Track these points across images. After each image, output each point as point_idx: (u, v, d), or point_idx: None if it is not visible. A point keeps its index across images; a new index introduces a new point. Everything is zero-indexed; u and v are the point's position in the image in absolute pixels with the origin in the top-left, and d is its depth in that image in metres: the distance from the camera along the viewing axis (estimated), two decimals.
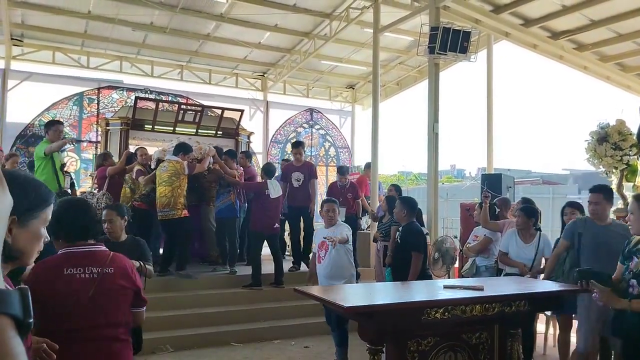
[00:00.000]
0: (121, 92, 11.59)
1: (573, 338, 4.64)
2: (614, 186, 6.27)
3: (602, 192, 4.08)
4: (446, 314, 3.15)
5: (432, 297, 3.46)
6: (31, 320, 0.53)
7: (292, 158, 8.20)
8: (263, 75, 13.16)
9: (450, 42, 6.96)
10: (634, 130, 6.09)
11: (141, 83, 11.84)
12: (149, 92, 11.58)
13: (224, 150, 7.55)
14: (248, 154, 8.16)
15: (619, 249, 3.73)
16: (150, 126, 8.24)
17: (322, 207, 5.06)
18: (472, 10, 8.32)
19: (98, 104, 11.25)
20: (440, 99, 7.57)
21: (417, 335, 3.21)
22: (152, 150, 7.36)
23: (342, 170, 8.10)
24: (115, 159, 7.38)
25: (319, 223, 7.36)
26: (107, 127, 8.36)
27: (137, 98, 8.88)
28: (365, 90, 13.76)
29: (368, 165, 9.25)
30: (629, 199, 3.95)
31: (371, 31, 9.47)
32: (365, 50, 11.26)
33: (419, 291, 3.77)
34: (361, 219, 8.45)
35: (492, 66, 10.33)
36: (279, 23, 10.34)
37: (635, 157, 6.17)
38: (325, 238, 4.79)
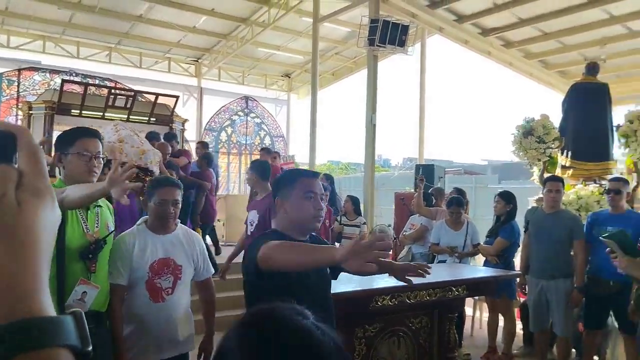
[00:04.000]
0: (44, 73, 10.89)
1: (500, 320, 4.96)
2: (535, 177, 6.71)
3: (560, 181, 4.42)
4: (393, 300, 3.25)
5: (380, 284, 3.55)
6: (89, 348, 0.45)
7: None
8: (197, 61, 12.82)
9: (390, 35, 7.10)
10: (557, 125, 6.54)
11: (66, 64, 11.19)
12: (74, 74, 10.96)
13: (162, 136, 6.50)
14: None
15: (560, 236, 4.09)
16: (78, 111, 7.83)
17: None
18: (409, 4, 8.51)
19: (18, 86, 10.52)
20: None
21: (364, 322, 3.30)
22: None
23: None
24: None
25: None
26: (30, 112, 7.87)
27: (63, 81, 8.39)
28: (300, 80, 13.75)
29: (265, 150, 8.08)
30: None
31: (309, 20, 9.47)
32: (302, 39, 11.23)
33: (366, 279, 3.86)
34: None
35: (426, 59, 10.66)
36: (216, 7, 10.08)
37: (557, 149, 6.60)
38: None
